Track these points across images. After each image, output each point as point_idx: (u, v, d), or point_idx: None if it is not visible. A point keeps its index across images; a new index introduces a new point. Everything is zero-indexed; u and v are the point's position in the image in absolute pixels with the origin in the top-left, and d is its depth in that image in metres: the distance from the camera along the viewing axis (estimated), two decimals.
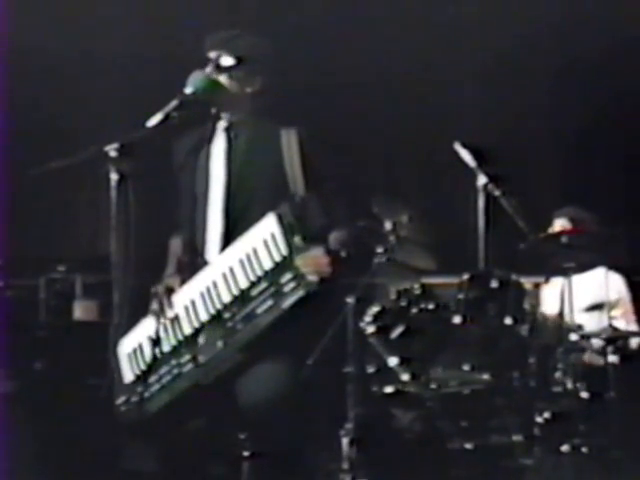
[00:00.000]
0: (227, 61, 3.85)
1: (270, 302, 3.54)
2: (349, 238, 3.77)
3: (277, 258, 3.56)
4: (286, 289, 3.52)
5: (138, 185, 3.45)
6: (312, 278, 3.50)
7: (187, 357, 3.66)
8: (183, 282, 3.82)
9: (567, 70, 6.83)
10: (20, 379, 5.15)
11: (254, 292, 3.58)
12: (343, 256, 3.64)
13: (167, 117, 3.64)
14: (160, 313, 3.74)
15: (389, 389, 4.44)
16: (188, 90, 3.74)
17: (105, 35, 6.45)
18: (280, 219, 3.59)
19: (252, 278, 3.60)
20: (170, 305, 3.76)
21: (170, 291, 3.80)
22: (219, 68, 3.84)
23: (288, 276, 3.53)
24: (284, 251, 3.55)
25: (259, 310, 3.56)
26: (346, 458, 3.97)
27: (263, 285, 3.57)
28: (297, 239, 3.56)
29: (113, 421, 3.77)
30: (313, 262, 3.55)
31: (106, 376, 3.78)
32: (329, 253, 3.59)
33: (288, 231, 3.57)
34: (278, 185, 3.77)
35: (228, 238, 3.78)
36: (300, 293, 3.50)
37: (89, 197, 6.67)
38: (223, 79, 3.84)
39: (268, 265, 3.58)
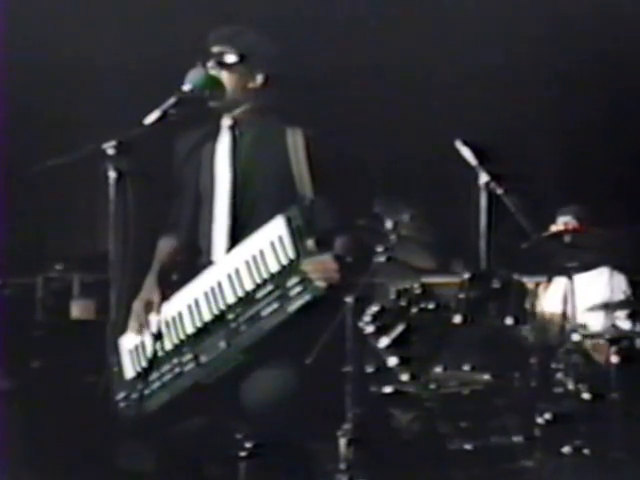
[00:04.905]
0: (230, 57, 3.82)
1: (275, 305, 3.51)
2: (354, 243, 3.74)
3: (284, 261, 3.53)
4: (292, 293, 3.49)
5: (136, 183, 3.42)
6: (320, 284, 3.47)
7: (189, 356, 3.64)
8: (164, 295, 3.78)
9: (569, 69, 6.81)
10: (17, 378, 5.14)
11: (259, 294, 3.55)
12: (349, 262, 3.60)
13: (165, 114, 3.61)
14: (140, 331, 3.72)
15: (388, 389, 4.41)
16: (186, 87, 3.72)
17: (104, 33, 6.44)
18: (289, 222, 3.55)
19: (257, 280, 3.57)
20: (148, 324, 3.72)
21: (149, 306, 3.76)
22: (221, 64, 3.82)
23: (295, 280, 3.49)
24: (291, 254, 3.52)
25: (264, 312, 3.53)
26: (344, 458, 3.94)
27: (269, 288, 3.54)
28: (309, 243, 3.52)
29: (111, 419, 3.75)
30: (322, 268, 3.51)
31: (103, 375, 3.76)
32: (337, 259, 3.56)
33: (296, 234, 3.54)
34: (284, 184, 3.74)
35: (235, 237, 3.75)
36: (307, 297, 3.46)
37: (87, 195, 6.64)
38: (224, 75, 3.81)
39: (274, 268, 3.55)
